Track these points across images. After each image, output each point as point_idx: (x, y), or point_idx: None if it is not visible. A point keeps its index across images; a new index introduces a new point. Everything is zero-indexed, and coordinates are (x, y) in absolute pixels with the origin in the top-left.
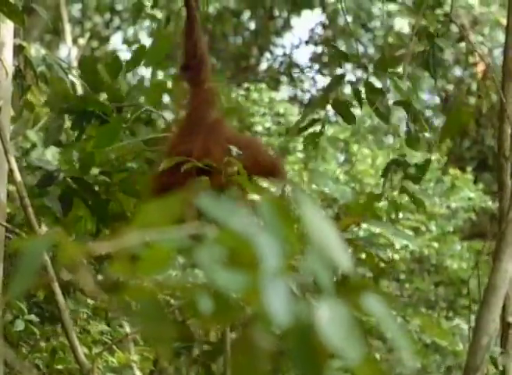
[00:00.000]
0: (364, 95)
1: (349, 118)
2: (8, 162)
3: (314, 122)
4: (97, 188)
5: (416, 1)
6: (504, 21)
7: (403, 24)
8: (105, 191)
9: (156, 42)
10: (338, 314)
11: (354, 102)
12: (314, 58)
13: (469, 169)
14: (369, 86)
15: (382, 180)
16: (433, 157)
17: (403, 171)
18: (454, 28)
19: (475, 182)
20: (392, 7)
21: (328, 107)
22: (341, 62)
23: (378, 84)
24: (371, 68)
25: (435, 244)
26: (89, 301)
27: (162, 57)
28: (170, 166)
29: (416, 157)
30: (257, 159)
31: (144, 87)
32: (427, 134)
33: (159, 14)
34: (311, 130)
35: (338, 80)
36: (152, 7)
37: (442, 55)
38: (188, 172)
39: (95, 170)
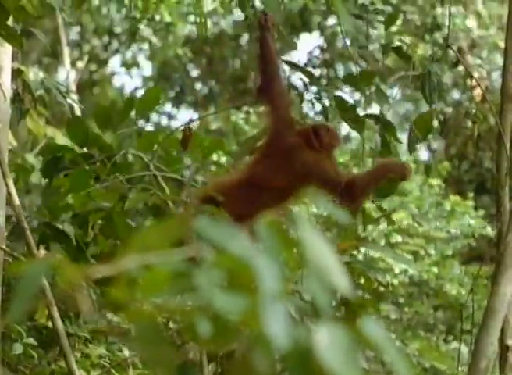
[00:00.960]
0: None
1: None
2: (7, 185)
3: None
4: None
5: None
6: (502, 44)
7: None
8: (83, 233)
9: (146, 94)
10: (337, 338)
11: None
12: (313, 81)
13: (470, 194)
14: (338, 100)
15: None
16: (434, 182)
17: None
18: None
19: (475, 208)
20: (392, 28)
21: None
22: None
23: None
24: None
25: (435, 269)
26: (88, 324)
27: (152, 109)
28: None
29: (415, 181)
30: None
31: (135, 136)
32: (425, 158)
33: (154, 38)
34: None
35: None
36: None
37: (439, 78)
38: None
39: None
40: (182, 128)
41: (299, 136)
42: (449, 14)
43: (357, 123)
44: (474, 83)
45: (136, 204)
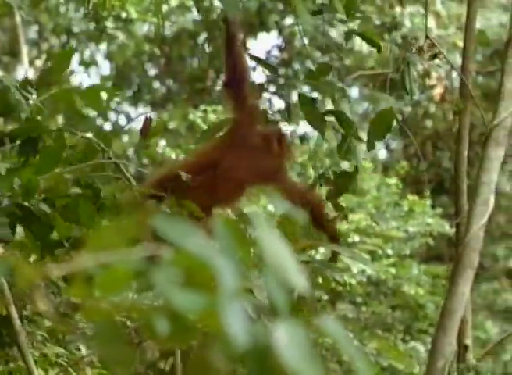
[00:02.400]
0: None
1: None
2: None
3: None
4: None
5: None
6: (461, 44)
7: (362, 44)
8: (47, 217)
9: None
10: (295, 336)
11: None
12: (271, 80)
13: (427, 193)
14: (302, 97)
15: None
16: (392, 181)
17: (334, 179)
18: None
19: (433, 207)
20: (351, 26)
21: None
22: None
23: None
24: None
25: (393, 269)
26: (45, 323)
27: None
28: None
29: (373, 179)
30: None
31: None
32: (384, 157)
33: (121, 35)
34: None
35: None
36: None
37: (415, 70)
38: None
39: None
40: (143, 117)
41: (261, 137)
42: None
43: (319, 121)
44: (433, 82)
45: (111, 193)
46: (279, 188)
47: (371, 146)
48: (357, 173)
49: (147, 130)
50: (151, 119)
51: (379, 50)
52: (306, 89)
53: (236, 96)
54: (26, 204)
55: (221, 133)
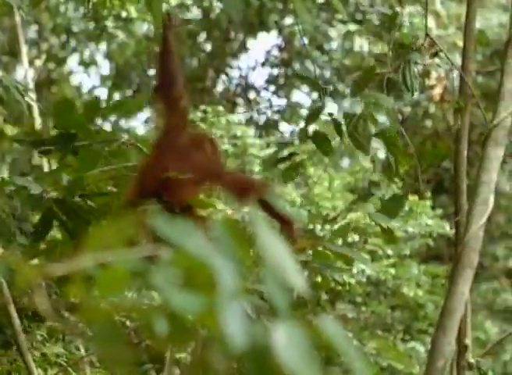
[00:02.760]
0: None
1: (327, 151)
2: None
3: (290, 156)
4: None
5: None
6: (461, 44)
7: (362, 44)
8: (86, 214)
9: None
10: (294, 336)
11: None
12: (271, 80)
13: (428, 194)
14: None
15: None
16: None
17: (383, 202)
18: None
19: (433, 208)
20: (351, 27)
21: (285, 129)
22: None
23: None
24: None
25: (392, 269)
26: (45, 323)
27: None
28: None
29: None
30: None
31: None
32: (383, 156)
33: (121, 34)
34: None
35: (317, 112)
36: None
37: (416, 68)
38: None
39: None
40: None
41: (193, 139)
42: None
43: (367, 140)
44: (433, 82)
45: None
46: (223, 183)
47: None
48: (406, 198)
49: None
50: None
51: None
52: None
53: (168, 100)
54: (66, 200)
55: (154, 139)
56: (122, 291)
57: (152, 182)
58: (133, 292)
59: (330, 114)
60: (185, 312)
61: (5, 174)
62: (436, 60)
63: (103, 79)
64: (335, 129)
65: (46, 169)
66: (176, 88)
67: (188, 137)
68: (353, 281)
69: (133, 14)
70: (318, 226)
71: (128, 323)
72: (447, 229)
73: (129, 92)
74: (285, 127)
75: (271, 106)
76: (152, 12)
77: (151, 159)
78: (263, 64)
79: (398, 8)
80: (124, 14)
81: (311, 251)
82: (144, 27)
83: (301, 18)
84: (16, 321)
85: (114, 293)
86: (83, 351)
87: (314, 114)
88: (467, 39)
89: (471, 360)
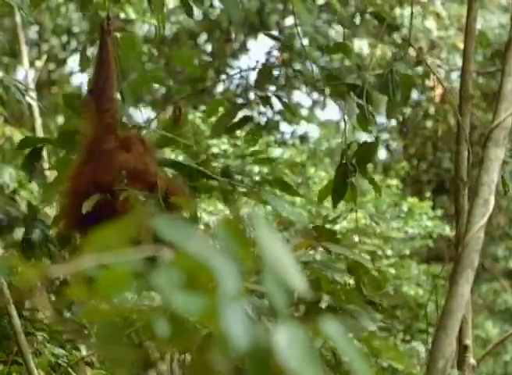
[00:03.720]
0: None
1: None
2: None
3: (245, 121)
4: None
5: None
6: (461, 45)
7: (361, 46)
8: None
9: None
10: (295, 337)
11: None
12: (271, 80)
13: (428, 195)
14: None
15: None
16: (392, 182)
17: (356, 151)
18: (412, 52)
19: (433, 209)
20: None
21: (286, 129)
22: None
23: None
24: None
25: (392, 270)
26: (46, 323)
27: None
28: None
29: None
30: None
31: None
32: (384, 157)
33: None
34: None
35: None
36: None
37: (401, 77)
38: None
39: None
40: (172, 107)
41: (120, 142)
42: (411, 13)
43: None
44: (432, 83)
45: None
46: (148, 184)
47: (392, 114)
48: (377, 144)
49: (179, 119)
50: (180, 108)
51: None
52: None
53: (99, 105)
54: None
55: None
56: (123, 293)
57: (82, 189)
58: (135, 293)
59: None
60: (186, 313)
61: (7, 175)
62: (437, 62)
63: None
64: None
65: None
66: (107, 92)
67: (116, 140)
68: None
69: (132, 15)
70: None
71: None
72: (447, 230)
73: None
74: (286, 128)
75: (271, 107)
76: (154, 13)
77: (78, 166)
78: (263, 65)
79: (399, 9)
80: (122, 15)
81: (311, 252)
82: (144, 28)
83: (302, 18)
84: (16, 321)
85: (115, 294)
86: (83, 351)
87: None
88: (468, 40)
89: (472, 361)
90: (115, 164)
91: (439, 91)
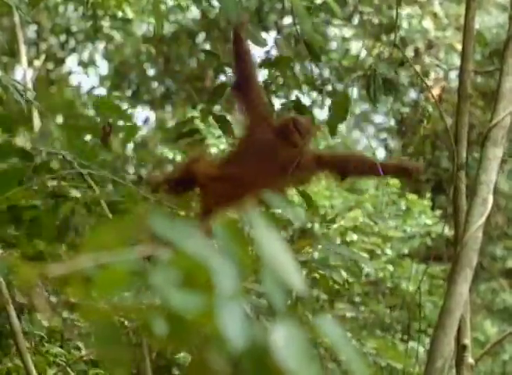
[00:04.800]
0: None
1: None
2: None
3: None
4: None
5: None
6: (459, 45)
7: (359, 47)
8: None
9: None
10: (293, 336)
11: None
12: (270, 79)
13: (427, 194)
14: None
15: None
16: (390, 181)
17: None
18: (410, 51)
19: (432, 208)
20: (347, 31)
21: None
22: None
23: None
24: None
25: (391, 268)
26: (44, 323)
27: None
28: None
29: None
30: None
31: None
32: (382, 156)
33: (116, 34)
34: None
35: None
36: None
37: (385, 78)
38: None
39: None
40: (102, 125)
41: (275, 132)
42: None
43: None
44: (430, 83)
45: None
46: (304, 176)
47: (332, 131)
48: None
49: (108, 136)
50: (109, 124)
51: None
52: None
53: (245, 99)
54: None
55: (238, 136)
56: (121, 292)
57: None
58: (132, 292)
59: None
60: (184, 312)
61: None
62: (436, 61)
63: (102, 79)
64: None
65: None
66: (252, 83)
67: (272, 130)
68: (351, 280)
69: (130, 15)
70: (317, 226)
71: (126, 323)
72: (446, 229)
73: (128, 93)
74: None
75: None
76: (153, 13)
77: (231, 160)
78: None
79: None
80: (120, 14)
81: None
82: (143, 28)
83: (300, 18)
84: (15, 321)
85: (112, 293)
86: (82, 350)
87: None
88: (466, 39)
89: (471, 360)
90: (276, 157)
91: (436, 90)
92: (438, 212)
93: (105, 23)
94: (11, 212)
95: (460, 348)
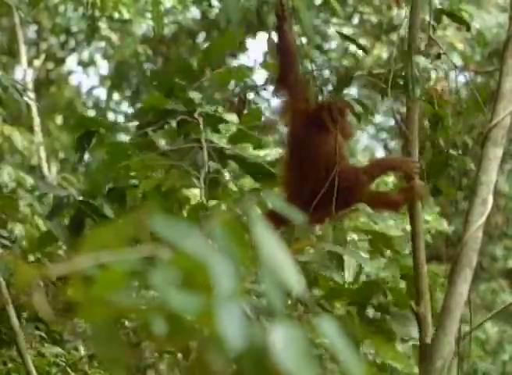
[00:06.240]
0: None
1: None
2: None
3: None
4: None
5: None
6: (459, 44)
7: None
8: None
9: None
10: (291, 337)
11: None
12: (269, 79)
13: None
14: None
15: None
16: (389, 179)
17: None
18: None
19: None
20: (347, 30)
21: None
22: None
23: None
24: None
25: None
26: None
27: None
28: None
29: None
30: None
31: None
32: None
33: (114, 36)
34: None
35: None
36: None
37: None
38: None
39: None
40: (236, 98)
41: (315, 120)
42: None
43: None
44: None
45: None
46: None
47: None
48: None
49: (242, 109)
50: (242, 98)
51: (468, 29)
52: None
53: (288, 92)
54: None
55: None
56: (121, 292)
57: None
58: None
59: None
60: (183, 312)
61: (5, 175)
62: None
63: (102, 79)
64: None
65: (46, 170)
66: (297, 78)
67: (317, 123)
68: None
69: (126, 16)
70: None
71: (127, 323)
72: (445, 226)
73: (127, 93)
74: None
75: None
76: (152, 14)
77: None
78: (262, 63)
79: (396, 9)
80: (117, 15)
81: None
82: (143, 28)
83: (302, 16)
84: (15, 321)
85: (113, 293)
86: (82, 351)
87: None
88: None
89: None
90: (318, 149)
91: (438, 90)
92: (437, 209)
93: (103, 25)
94: (115, 191)
95: (460, 348)
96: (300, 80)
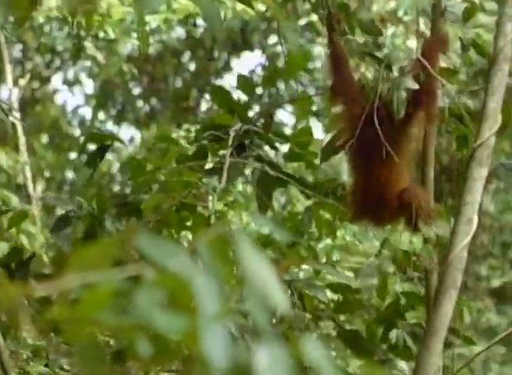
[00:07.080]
0: None
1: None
2: None
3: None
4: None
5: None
6: (444, 63)
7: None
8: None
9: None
10: (276, 357)
11: None
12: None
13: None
14: None
15: None
16: None
17: None
18: (395, 71)
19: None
20: None
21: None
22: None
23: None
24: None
25: (375, 282)
26: (29, 341)
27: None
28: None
29: None
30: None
31: None
32: None
33: (99, 55)
34: None
35: None
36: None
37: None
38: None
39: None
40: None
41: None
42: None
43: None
44: None
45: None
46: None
47: (324, 158)
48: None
49: (270, 125)
50: (270, 114)
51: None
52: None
53: (344, 101)
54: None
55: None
56: (106, 311)
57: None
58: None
59: None
60: (168, 332)
61: None
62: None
63: (87, 98)
64: None
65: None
66: (351, 86)
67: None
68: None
69: (111, 35)
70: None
71: (111, 342)
72: (430, 247)
73: (113, 111)
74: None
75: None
76: (137, 33)
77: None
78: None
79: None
80: (102, 35)
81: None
82: (128, 47)
83: (288, 37)
84: (0, 339)
85: (97, 313)
86: (68, 370)
87: None
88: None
89: None
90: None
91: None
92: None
93: (88, 44)
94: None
95: (445, 367)
96: (355, 89)
